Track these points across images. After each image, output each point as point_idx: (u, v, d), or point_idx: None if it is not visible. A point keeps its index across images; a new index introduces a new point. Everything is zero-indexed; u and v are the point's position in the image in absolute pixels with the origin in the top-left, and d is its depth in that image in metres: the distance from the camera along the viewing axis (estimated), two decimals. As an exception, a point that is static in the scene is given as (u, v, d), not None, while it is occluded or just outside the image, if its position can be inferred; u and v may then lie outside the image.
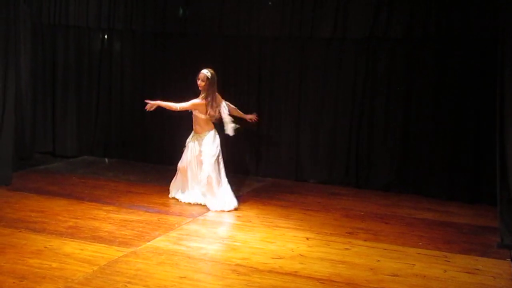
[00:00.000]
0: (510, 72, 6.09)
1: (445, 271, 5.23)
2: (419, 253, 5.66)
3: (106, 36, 9.75)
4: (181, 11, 9.14)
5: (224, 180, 7.04)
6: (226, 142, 9.02)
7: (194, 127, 7.12)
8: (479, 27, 7.58)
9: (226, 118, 6.95)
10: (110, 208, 6.79)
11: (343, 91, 8.52)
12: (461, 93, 7.82)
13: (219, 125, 7.12)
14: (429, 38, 7.95)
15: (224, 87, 9.09)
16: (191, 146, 7.11)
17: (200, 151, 7.01)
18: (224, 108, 6.97)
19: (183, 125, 9.33)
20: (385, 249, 5.73)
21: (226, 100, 7.18)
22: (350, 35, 8.32)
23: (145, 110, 7.06)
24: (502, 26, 6.25)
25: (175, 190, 7.33)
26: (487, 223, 6.79)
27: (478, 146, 7.77)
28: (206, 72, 6.93)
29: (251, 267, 5.10)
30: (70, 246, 5.36)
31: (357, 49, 8.38)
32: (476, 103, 7.74)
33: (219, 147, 7.04)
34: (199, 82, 6.93)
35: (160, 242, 5.64)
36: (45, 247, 5.30)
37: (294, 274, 4.97)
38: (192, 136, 7.16)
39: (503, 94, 6.18)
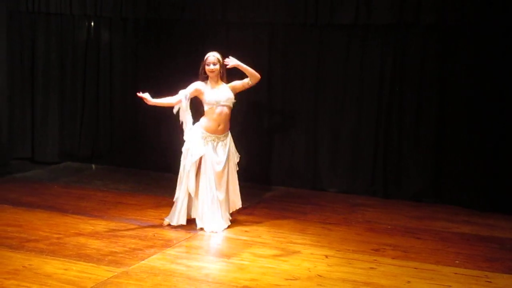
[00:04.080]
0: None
1: (487, 293, 5.24)
2: (456, 273, 5.65)
3: (92, 25, 9.83)
4: (178, -6, 9.20)
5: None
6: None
7: (219, 125, 6.72)
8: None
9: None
10: (98, 221, 6.82)
11: (368, 86, 8.53)
12: (505, 88, 7.80)
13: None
14: (467, 24, 7.94)
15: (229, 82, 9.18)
16: (210, 153, 6.72)
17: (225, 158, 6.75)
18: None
19: (182, 127, 9.41)
20: (416, 269, 5.72)
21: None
22: (375, 21, 8.33)
23: (138, 98, 6.82)
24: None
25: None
26: (536, 237, 6.80)
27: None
28: (216, 54, 6.76)
29: (261, 290, 5.12)
30: (52, 266, 5.39)
31: (384, 37, 8.39)
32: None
33: None
34: (211, 67, 6.69)
35: (156, 260, 5.66)
36: (24, 267, 5.33)
37: (311, 297, 4.99)
38: (212, 139, 6.75)
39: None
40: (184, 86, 9.17)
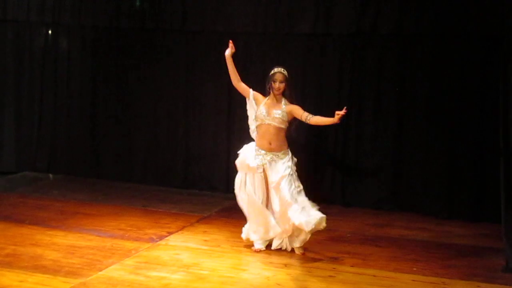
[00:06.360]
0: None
1: (444, 300, 5.31)
2: (414, 280, 5.72)
3: (50, 32, 9.71)
4: (138, 3, 9.16)
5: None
6: (189, 155, 9.11)
7: (269, 143, 6.44)
8: (480, 23, 7.70)
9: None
10: (55, 232, 6.75)
11: (327, 93, 8.58)
12: (460, 97, 7.93)
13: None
14: (423, 34, 8.07)
15: (190, 90, 9.16)
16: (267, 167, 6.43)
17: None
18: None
19: (142, 135, 9.37)
20: (375, 276, 5.78)
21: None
22: (334, 31, 8.41)
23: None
24: (507, 24, 6.38)
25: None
26: (491, 244, 6.89)
27: (480, 157, 7.87)
28: (284, 71, 6.45)
29: (220, 299, 5.13)
30: (8, 278, 5.31)
31: (342, 46, 8.46)
32: (478, 107, 7.86)
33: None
34: (277, 85, 6.41)
35: (114, 271, 5.62)
36: (-22, 279, 5.26)
37: (270, 306, 5.00)
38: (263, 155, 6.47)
39: (507, 99, 6.28)
40: (146, 94, 9.23)
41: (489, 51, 7.62)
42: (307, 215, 6.16)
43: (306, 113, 6.40)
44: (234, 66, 6.61)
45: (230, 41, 6.58)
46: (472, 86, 7.87)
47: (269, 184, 6.43)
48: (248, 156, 6.52)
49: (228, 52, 6.57)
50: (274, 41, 8.72)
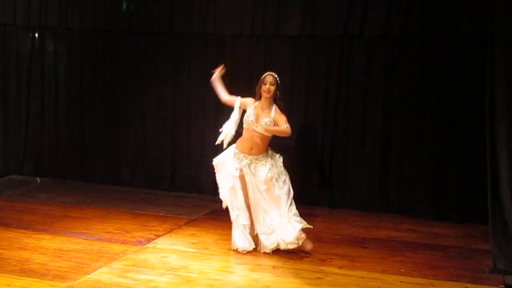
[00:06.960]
0: (501, 77, 6.25)
1: (431, 301, 5.33)
2: (401, 281, 5.73)
3: (37, 35, 9.67)
4: (124, 5, 9.14)
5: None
6: (177, 158, 9.10)
7: (251, 148, 6.49)
8: (466, 25, 7.75)
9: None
10: (43, 235, 6.71)
11: (314, 95, 8.60)
12: (447, 98, 7.98)
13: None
14: (410, 36, 8.10)
15: (177, 93, 9.15)
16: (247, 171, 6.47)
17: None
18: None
19: (129, 138, 9.35)
20: (363, 278, 5.79)
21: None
22: (321, 33, 8.43)
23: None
24: (492, 26, 6.41)
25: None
26: (479, 245, 6.94)
27: (467, 158, 7.92)
28: (275, 75, 6.45)
29: (208, 302, 5.12)
30: (-6, 282, 5.30)
31: (329, 48, 8.48)
32: (465, 109, 7.90)
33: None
34: (267, 87, 6.41)
35: (102, 274, 5.59)
36: (-36, 284, 5.23)
37: (258, 309, 5.00)
38: (242, 159, 6.52)
39: (493, 102, 6.32)
40: (134, 97, 9.20)
41: (476, 53, 7.64)
42: (285, 232, 6.34)
43: (285, 125, 6.39)
44: (221, 85, 6.71)
45: (223, 65, 6.77)
46: (460, 88, 7.92)
47: (248, 188, 6.49)
48: (227, 159, 6.62)
49: (216, 75, 6.69)
50: (262, 43, 8.73)
